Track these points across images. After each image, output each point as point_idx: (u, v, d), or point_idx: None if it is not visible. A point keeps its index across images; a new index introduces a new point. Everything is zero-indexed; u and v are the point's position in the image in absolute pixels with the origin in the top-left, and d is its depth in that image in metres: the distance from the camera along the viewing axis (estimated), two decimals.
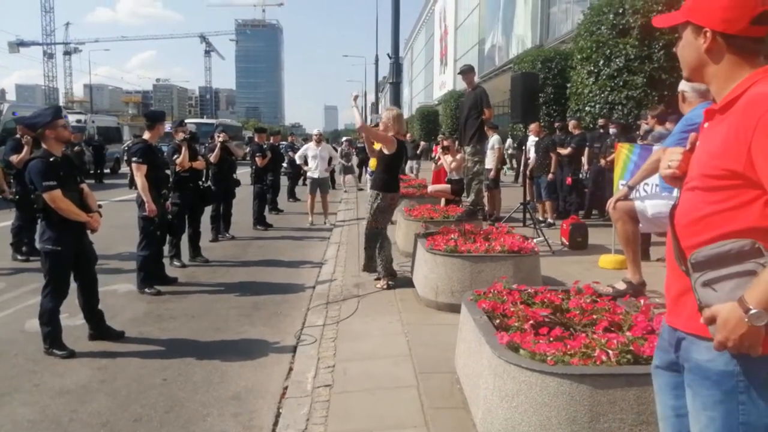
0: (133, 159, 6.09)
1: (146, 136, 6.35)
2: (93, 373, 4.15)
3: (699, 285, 1.53)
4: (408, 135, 11.14)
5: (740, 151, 1.47)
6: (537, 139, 10.64)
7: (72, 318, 4.97)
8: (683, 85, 3.83)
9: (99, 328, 4.76)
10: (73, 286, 4.60)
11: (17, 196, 7.43)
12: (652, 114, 7.71)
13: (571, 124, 10.99)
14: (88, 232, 4.57)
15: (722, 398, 1.54)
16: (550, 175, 10.01)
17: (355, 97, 6.56)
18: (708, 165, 1.57)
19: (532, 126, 10.70)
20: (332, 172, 18.83)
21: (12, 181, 7.71)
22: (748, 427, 1.52)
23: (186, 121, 12.06)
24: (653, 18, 1.83)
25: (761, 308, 1.40)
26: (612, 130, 9.45)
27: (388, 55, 16.59)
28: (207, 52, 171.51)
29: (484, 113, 7.59)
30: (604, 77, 11.03)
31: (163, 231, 6.57)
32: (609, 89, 10.91)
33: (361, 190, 16.38)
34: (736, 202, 1.51)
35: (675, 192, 3.64)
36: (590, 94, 11.43)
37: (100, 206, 4.76)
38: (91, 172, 20.50)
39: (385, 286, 5.97)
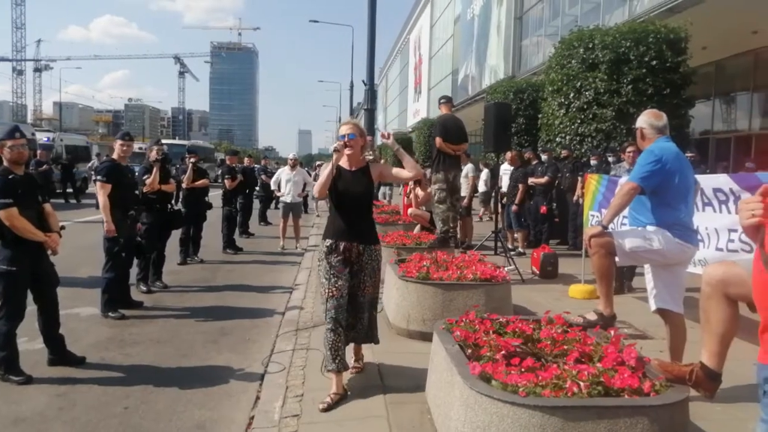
0: (98, 178, 6.02)
1: (114, 155, 6.26)
2: (51, 400, 3.99)
3: None
4: (382, 160, 11.17)
5: None
6: (512, 168, 10.80)
7: (31, 342, 4.79)
8: (641, 122, 3.94)
9: (59, 353, 4.60)
10: (34, 308, 4.45)
11: None
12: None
13: (545, 155, 11.19)
14: (49, 253, 4.43)
15: None
16: (514, 207, 10.19)
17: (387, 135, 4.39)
18: None
19: (509, 154, 10.86)
20: (305, 196, 18.77)
21: None
22: None
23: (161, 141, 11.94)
24: None
25: None
26: (593, 162, 9.63)
27: (363, 81, 16.70)
28: (181, 74, 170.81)
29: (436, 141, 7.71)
30: (574, 109, 11.25)
31: (129, 253, 6.41)
32: (579, 121, 11.12)
33: None
34: None
35: (648, 226, 3.73)
36: (561, 125, 11.63)
37: (62, 227, 4.63)
38: (59, 191, 20.01)
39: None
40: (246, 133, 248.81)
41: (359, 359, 4.36)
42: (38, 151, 17.18)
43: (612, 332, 3.26)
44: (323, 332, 3.92)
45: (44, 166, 16.03)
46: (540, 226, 10.83)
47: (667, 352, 3.84)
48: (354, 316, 4.03)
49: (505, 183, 10.99)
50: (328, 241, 3.97)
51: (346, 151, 3.95)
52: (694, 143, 12.88)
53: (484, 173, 12.30)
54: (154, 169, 7.10)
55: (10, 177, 4.26)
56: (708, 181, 5.17)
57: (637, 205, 3.87)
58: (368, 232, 4.07)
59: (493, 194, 12.26)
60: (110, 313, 5.95)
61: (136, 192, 6.71)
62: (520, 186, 10.24)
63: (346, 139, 3.95)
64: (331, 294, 3.86)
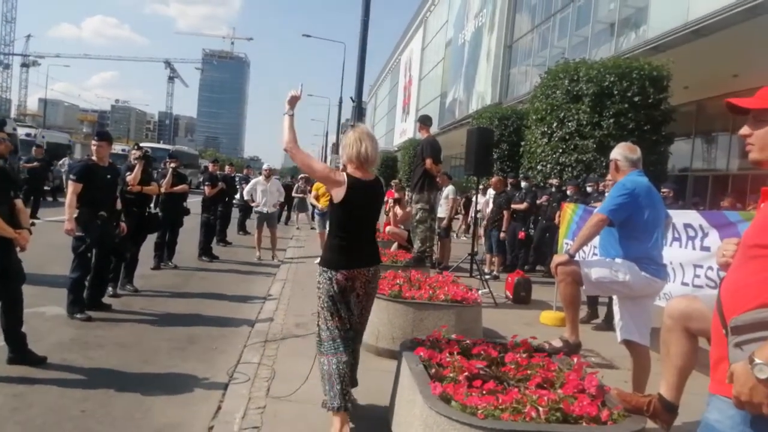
0: (70, 176, 6.00)
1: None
2: (6, 400, 3.89)
3: (732, 346, 1.61)
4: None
5: None
6: (495, 193, 10.89)
7: None
8: (616, 154, 4.01)
9: (19, 352, 4.50)
10: None
11: None
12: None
13: (525, 182, 11.31)
14: (18, 249, 4.36)
15: None
16: (502, 234, 10.21)
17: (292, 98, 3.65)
18: (748, 236, 1.74)
19: (493, 180, 10.96)
20: (289, 207, 18.66)
21: None
22: None
23: (140, 144, 11.87)
24: (732, 98, 1.89)
25: (766, 361, 1.48)
26: (569, 192, 9.75)
27: (351, 98, 16.83)
28: (171, 78, 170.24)
29: (424, 162, 7.71)
30: (556, 139, 11.43)
31: (105, 254, 6.32)
32: (561, 151, 11.29)
33: (313, 228, 16.30)
34: None
35: (617, 258, 3.78)
36: (542, 154, 11.80)
37: (33, 224, 4.57)
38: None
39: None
40: (232, 142, 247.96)
41: None
42: (33, 148, 17.08)
43: (575, 359, 3.28)
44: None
45: (35, 163, 15.83)
46: (517, 251, 10.90)
47: (631, 383, 3.87)
48: None
49: (489, 207, 11.07)
50: None
51: None
52: (673, 179, 13.13)
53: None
54: (137, 167, 7.19)
55: None
56: (679, 217, 5.27)
57: (607, 237, 3.93)
58: None
59: (471, 218, 12.35)
60: (77, 314, 5.85)
61: (116, 193, 6.60)
62: (505, 213, 10.28)
63: None
64: None
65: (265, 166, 12.12)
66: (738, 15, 11.01)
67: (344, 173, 3.58)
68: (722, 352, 1.68)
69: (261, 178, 11.67)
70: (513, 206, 10.67)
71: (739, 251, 1.80)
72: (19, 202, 4.50)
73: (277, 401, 4.02)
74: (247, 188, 11.90)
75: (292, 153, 3.55)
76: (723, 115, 15.63)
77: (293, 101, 3.64)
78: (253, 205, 11.56)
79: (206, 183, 11.12)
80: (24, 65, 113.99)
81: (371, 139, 3.64)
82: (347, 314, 3.63)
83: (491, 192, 11.26)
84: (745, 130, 1.87)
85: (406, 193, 11.12)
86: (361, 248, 3.66)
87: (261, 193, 11.23)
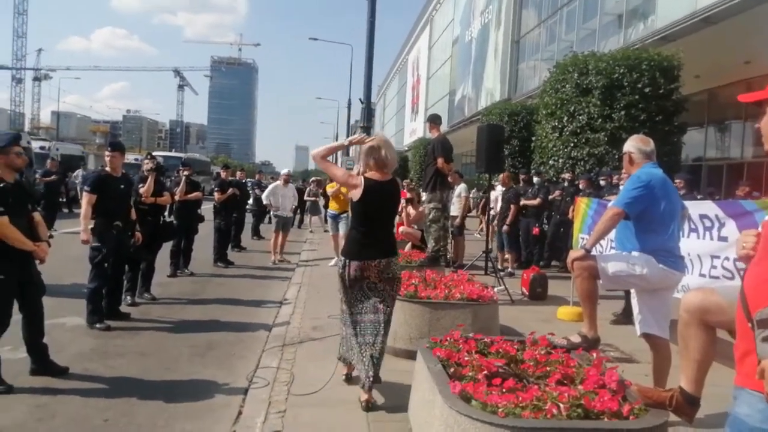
0: (84, 187, 6.07)
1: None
2: (30, 410, 3.95)
3: (760, 340, 1.58)
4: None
5: None
6: (503, 189, 10.85)
7: (14, 351, 4.74)
8: (629, 146, 3.97)
9: (41, 363, 4.56)
10: (19, 317, 4.42)
11: None
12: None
13: (537, 178, 11.26)
14: (37, 262, 4.42)
15: None
16: (505, 227, 10.20)
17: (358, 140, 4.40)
18: None
19: (501, 176, 10.92)
20: (302, 210, 18.83)
21: None
22: None
23: (153, 153, 11.97)
24: (740, 95, 1.90)
25: None
26: (581, 186, 9.69)
27: (360, 99, 16.83)
28: (180, 87, 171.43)
29: (436, 161, 7.68)
30: (567, 133, 11.36)
31: (120, 264, 6.39)
32: (572, 145, 11.22)
33: (326, 231, 16.37)
34: None
35: (634, 251, 3.75)
36: (554, 149, 11.74)
37: (51, 236, 4.63)
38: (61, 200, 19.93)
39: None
40: (243, 148, 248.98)
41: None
42: (48, 161, 17.25)
43: (594, 355, 3.27)
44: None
45: (52, 176, 15.99)
46: (531, 247, 10.85)
47: (652, 376, 3.84)
48: None
49: (498, 205, 11.02)
50: None
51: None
52: (687, 169, 13.00)
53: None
54: (149, 178, 7.24)
55: (1, 185, 4.25)
56: (694, 208, 5.22)
57: (624, 230, 3.90)
58: None
59: (485, 215, 12.29)
60: (96, 324, 5.91)
61: (130, 203, 6.66)
62: (512, 207, 10.27)
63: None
64: None
65: (284, 172, 12.33)
66: (746, 2, 10.88)
67: (361, 176, 4.04)
68: (748, 345, 1.65)
69: (280, 182, 11.86)
70: (525, 202, 10.64)
71: (762, 244, 1.77)
72: (37, 215, 4.56)
73: (297, 405, 4.03)
74: (266, 193, 12.06)
75: (317, 161, 4.16)
76: (735, 103, 15.36)
77: (354, 142, 4.49)
78: (272, 209, 11.77)
79: (217, 189, 11.23)
80: (36, 79, 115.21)
81: (388, 146, 4.13)
82: (359, 300, 4.07)
83: (500, 188, 11.22)
84: (760, 121, 1.86)
85: (421, 192, 11.10)
86: (376, 242, 4.06)
87: (281, 197, 11.45)
